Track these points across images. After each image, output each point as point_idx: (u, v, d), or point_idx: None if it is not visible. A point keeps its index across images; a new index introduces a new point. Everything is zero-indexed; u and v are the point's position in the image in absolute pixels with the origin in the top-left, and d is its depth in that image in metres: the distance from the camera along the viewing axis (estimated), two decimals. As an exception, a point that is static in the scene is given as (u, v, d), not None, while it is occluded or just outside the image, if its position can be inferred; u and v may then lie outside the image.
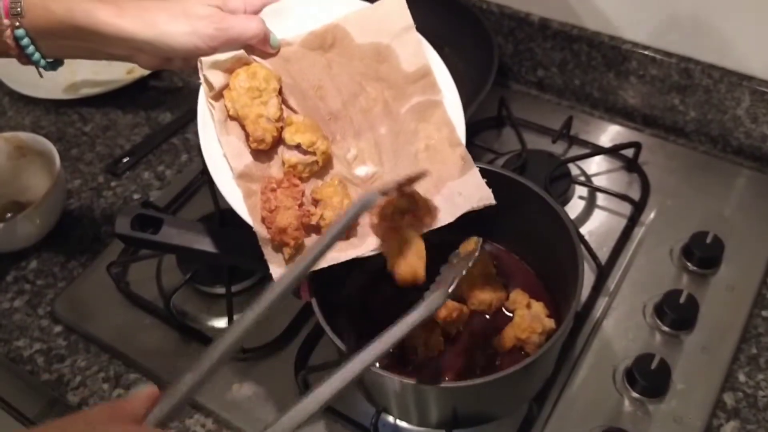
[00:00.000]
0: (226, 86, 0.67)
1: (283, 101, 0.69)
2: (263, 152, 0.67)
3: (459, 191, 0.69)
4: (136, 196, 1.00)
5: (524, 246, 0.79)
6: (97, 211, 0.99)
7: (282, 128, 0.67)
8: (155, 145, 1.06)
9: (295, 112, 0.69)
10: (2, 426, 1.07)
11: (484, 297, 0.73)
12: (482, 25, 0.98)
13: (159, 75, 1.16)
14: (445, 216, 0.67)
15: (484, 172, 0.75)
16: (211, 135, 0.67)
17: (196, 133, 1.06)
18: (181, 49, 0.65)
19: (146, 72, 1.14)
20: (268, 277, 0.64)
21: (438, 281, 0.62)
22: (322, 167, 0.68)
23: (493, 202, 0.68)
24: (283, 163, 0.67)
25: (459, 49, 1.03)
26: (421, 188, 0.68)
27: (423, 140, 0.71)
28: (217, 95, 0.67)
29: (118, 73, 1.16)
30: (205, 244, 0.69)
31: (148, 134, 1.08)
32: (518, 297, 0.74)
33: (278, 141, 0.67)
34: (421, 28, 0.97)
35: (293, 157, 0.67)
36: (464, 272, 0.60)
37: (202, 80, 0.67)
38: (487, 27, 0.97)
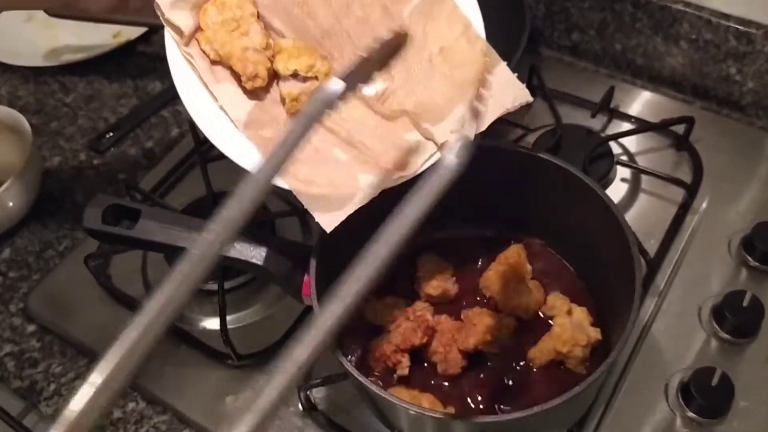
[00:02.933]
0: (197, 29, 0.57)
1: (266, 26, 0.59)
2: (262, 89, 0.58)
3: (487, 93, 0.59)
4: (121, 176, 0.89)
5: (562, 239, 0.68)
6: (78, 193, 0.88)
7: (273, 57, 0.57)
8: (143, 118, 0.95)
9: (281, 35, 0.59)
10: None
11: (520, 301, 0.63)
12: (511, -17, 0.85)
13: (148, 39, 1.05)
14: (477, 123, 0.57)
15: (511, 154, 0.65)
16: (195, 91, 0.58)
17: (187, 104, 0.96)
18: None
19: (134, 35, 1.03)
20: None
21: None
22: None
23: (530, 99, 0.59)
24: (284, 100, 0.58)
25: (485, 11, 0.91)
26: (442, 96, 0.57)
27: (435, 42, 0.60)
28: (189, 40, 0.57)
29: (103, 37, 1.04)
30: (191, 240, 0.59)
31: (135, 105, 0.97)
32: (557, 302, 0.63)
33: (274, 73, 0.58)
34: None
35: (293, 88, 0.57)
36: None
37: (166, 27, 0.57)
38: (518, -16, 0.85)
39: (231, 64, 0.57)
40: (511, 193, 0.66)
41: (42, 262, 0.82)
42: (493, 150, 0.64)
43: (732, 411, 0.64)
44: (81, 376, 0.73)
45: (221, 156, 0.80)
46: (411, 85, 0.59)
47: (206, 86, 0.58)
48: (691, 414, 0.64)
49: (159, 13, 0.57)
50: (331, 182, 0.56)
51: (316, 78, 0.57)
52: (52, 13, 0.91)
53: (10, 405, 0.81)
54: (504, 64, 0.60)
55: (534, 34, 0.96)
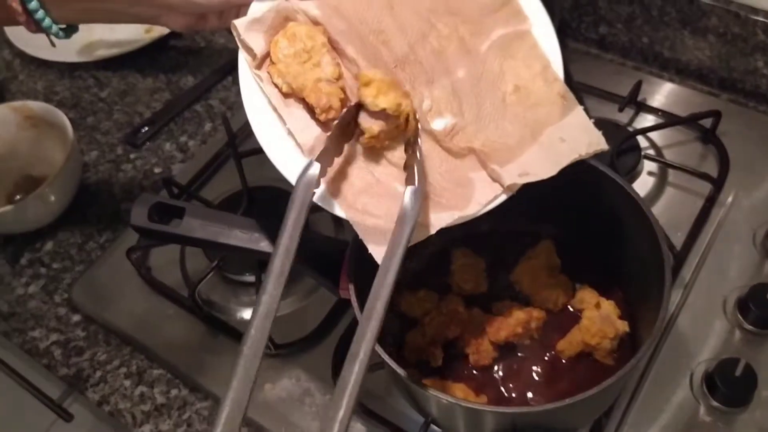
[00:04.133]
0: (268, 56, 0.57)
1: (339, 53, 0.58)
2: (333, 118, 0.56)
3: (561, 136, 0.56)
4: (157, 170, 0.92)
5: (590, 234, 0.70)
6: (116, 186, 0.91)
7: (358, 89, 0.55)
8: (177, 113, 0.97)
9: (354, 63, 0.57)
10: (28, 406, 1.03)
11: (550, 294, 0.65)
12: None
13: (180, 34, 1.07)
14: (548, 167, 0.55)
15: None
16: (263, 114, 0.57)
17: (220, 100, 0.99)
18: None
19: (166, 31, 1.05)
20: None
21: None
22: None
23: (605, 147, 0.56)
24: (362, 133, 0.55)
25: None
26: (513, 137, 0.56)
27: (511, 80, 0.58)
28: (261, 63, 0.57)
29: (136, 32, 1.07)
30: (233, 237, 0.61)
31: (168, 100, 0.99)
32: (586, 295, 0.65)
33: (345, 102, 0.57)
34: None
35: (375, 125, 0.54)
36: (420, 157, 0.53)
37: (240, 48, 0.57)
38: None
39: (304, 96, 0.56)
40: (541, 190, 0.68)
41: (84, 254, 0.85)
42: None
43: (755, 401, 0.66)
44: (125, 364, 0.76)
45: (254, 151, 0.84)
46: (482, 122, 0.58)
47: (275, 110, 0.57)
48: (714, 403, 0.66)
49: (235, 34, 0.57)
50: (389, 215, 0.54)
51: (398, 117, 0.54)
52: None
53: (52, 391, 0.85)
54: (581, 108, 0.58)
55: (561, 26, 0.97)
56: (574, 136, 0.56)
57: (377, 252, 0.52)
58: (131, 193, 0.90)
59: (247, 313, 0.77)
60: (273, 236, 0.62)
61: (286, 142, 0.56)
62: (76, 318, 0.80)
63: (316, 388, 0.71)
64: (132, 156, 0.94)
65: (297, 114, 0.56)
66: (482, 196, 0.55)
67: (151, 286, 0.80)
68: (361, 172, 0.56)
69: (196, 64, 1.04)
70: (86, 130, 0.97)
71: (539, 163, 0.55)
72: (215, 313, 0.77)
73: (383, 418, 0.68)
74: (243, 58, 0.57)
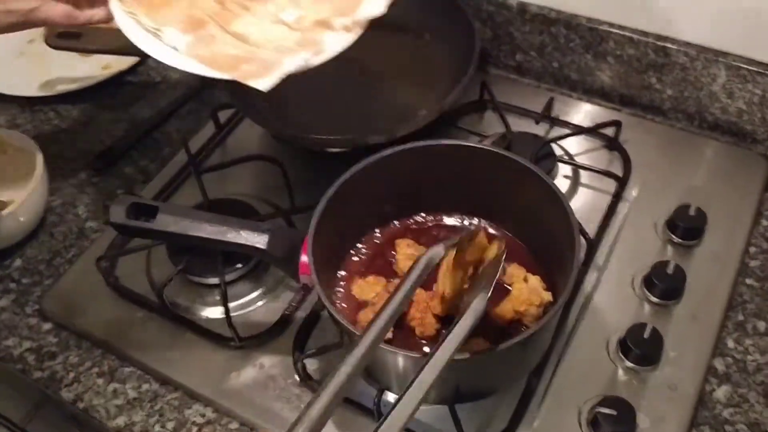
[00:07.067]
0: None
1: None
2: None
3: None
4: (119, 191, 0.99)
5: (517, 223, 0.80)
6: (81, 207, 0.97)
7: None
8: (136, 140, 1.04)
9: None
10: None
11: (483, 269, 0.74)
12: (463, 11, 0.98)
13: (135, 70, 1.15)
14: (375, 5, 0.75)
15: (476, 151, 0.77)
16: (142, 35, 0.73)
17: (177, 129, 1.06)
18: None
19: (123, 67, 1.13)
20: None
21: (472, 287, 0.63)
22: None
23: None
24: None
25: (440, 36, 1.04)
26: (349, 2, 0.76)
27: None
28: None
29: (93, 68, 1.14)
30: (202, 230, 0.69)
31: (127, 129, 1.06)
32: (515, 271, 0.74)
33: None
34: (401, 15, 0.97)
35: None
36: (497, 275, 0.62)
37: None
38: (467, 13, 0.98)
39: None
40: (475, 186, 0.78)
41: (53, 268, 0.90)
42: (460, 149, 0.77)
43: (663, 360, 0.76)
44: (96, 365, 0.81)
45: (214, 167, 0.92)
46: (317, 5, 0.77)
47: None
48: (629, 364, 0.75)
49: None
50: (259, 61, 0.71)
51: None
52: (54, 44, 1.01)
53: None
54: None
55: (482, 55, 1.09)
56: None
57: (260, 84, 0.69)
58: (96, 212, 0.96)
59: (211, 312, 0.84)
60: (236, 228, 0.70)
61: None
62: (47, 326, 0.85)
63: (278, 374, 0.78)
64: (94, 180, 1.00)
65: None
66: (336, 42, 0.74)
67: (119, 293, 0.86)
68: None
69: (153, 96, 1.11)
70: (50, 158, 1.02)
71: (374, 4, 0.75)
72: (181, 313, 0.84)
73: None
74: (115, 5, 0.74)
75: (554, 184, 0.72)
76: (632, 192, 0.91)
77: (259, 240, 0.69)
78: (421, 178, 0.79)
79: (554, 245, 0.74)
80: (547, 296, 0.72)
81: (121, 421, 0.77)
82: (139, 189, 0.98)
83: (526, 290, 0.72)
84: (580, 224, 0.83)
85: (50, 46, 1.03)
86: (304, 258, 0.69)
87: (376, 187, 0.77)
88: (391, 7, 0.76)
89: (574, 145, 0.97)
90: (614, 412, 0.69)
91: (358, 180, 0.74)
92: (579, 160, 0.95)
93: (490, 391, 0.72)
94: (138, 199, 0.70)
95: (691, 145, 0.97)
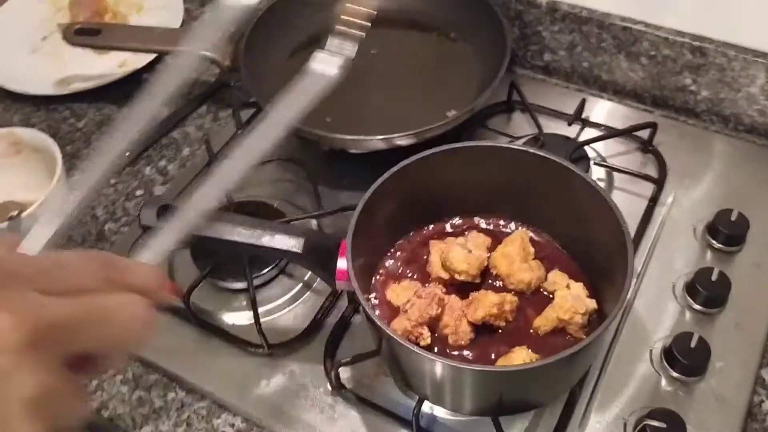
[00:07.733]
0: None
1: None
2: None
3: None
4: (138, 192, 0.96)
5: (558, 228, 0.77)
6: (99, 209, 0.94)
7: None
8: (155, 140, 1.02)
9: None
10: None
11: (523, 276, 0.71)
12: (493, 10, 0.96)
13: (153, 68, 1.12)
14: None
15: (515, 153, 0.74)
16: None
17: (197, 127, 1.04)
18: None
19: (139, 65, 1.10)
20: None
21: None
22: None
23: None
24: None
25: (469, 36, 1.02)
26: None
27: None
28: None
29: (109, 66, 1.11)
30: (236, 233, 0.66)
31: (145, 129, 1.03)
32: (557, 278, 0.72)
33: None
34: (430, 15, 0.94)
35: None
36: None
37: None
38: (498, 12, 0.96)
39: None
40: (513, 189, 0.76)
41: (71, 272, 0.88)
42: (499, 150, 0.75)
43: (709, 370, 0.73)
44: (120, 372, 0.78)
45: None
46: None
47: None
48: (674, 374, 0.73)
49: None
50: None
51: None
52: (72, 41, 0.98)
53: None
54: None
55: (510, 54, 1.06)
56: None
57: None
58: (114, 213, 0.93)
59: (237, 318, 0.81)
60: (272, 233, 0.67)
61: None
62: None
63: (309, 382, 0.75)
64: (112, 181, 0.97)
65: None
66: None
67: (142, 297, 0.83)
68: None
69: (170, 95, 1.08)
70: (66, 157, 1.00)
71: None
72: (206, 318, 0.81)
73: (376, 405, 0.73)
74: None
75: (603, 188, 0.69)
76: (668, 196, 0.88)
77: (294, 244, 0.66)
78: (457, 180, 0.76)
79: (598, 251, 0.71)
80: (592, 304, 0.69)
81: (147, 431, 0.74)
82: (158, 191, 0.95)
83: (570, 298, 0.69)
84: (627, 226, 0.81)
85: (68, 42, 1.00)
86: (341, 263, 0.66)
87: (412, 189, 0.74)
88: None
89: (606, 147, 0.94)
90: (664, 425, 0.67)
91: (395, 182, 0.71)
92: (612, 162, 0.93)
93: (535, 404, 0.69)
94: (168, 202, 0.67)
95: (727, 148, 0.94)
